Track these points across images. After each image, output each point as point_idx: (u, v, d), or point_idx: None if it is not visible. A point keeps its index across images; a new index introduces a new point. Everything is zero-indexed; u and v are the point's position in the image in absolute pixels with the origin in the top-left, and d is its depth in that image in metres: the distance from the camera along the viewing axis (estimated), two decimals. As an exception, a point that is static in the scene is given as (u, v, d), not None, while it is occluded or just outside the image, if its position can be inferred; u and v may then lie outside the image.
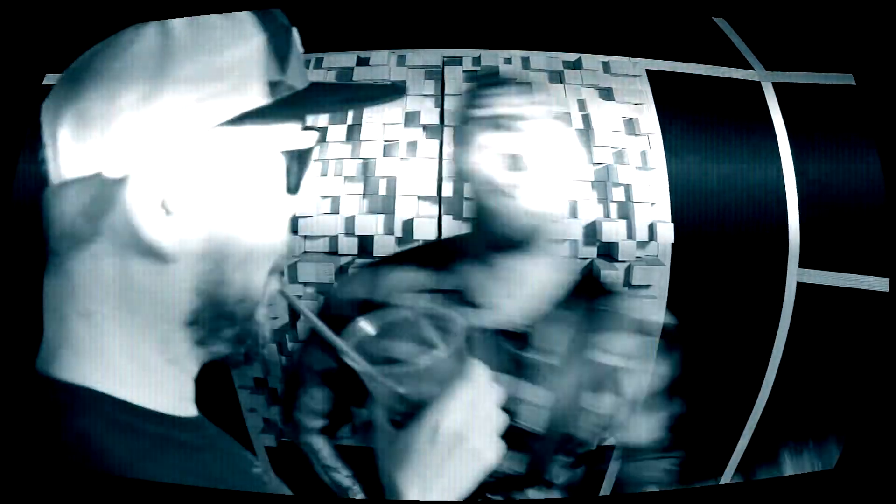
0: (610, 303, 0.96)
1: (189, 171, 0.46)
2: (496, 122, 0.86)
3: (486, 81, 0.91)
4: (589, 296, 0.95)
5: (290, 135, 0.51)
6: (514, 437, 0.82)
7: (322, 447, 1.06)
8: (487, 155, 0.86)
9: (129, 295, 0.47)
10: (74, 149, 0.46)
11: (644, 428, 0.98)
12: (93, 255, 0.47)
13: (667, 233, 1.74)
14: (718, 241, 1.78)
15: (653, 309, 1.01)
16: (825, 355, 1.75)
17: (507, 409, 0.80)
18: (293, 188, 0.52)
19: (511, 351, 0.90)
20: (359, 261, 1.70)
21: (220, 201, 0.47)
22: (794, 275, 1.81)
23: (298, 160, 0.52)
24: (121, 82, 0.46)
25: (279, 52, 0.49)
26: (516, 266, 0.90)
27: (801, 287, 1.80)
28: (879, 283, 1.75)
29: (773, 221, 1.81)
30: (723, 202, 1.80)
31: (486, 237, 0.88)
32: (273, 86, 0.48)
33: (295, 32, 0.53)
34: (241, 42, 0.48)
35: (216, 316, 0.49)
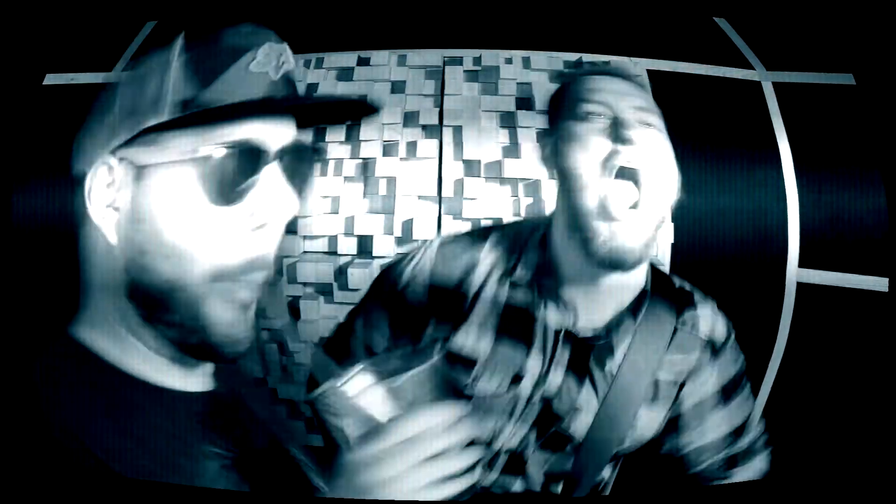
0: (683, 318, 0.92)
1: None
2: (613, 131, 0.79)
3: (593, 69, 0.89)
4: (663, 308, 0.91)
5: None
6: (556, 441, 0.85)
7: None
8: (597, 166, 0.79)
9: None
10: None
11: (708, 428, 0.96)
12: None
13: (667, 233, 1.74)
14: (718, 241, 1.78)
15: (718, 321, 0.97)
16: (825, 355, 1.75)
17: (558, 412, 0.84)
18: (228, 198, 0.53)
19: (581, 356, 0.87)
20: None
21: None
22: (794, 275, 1.81)
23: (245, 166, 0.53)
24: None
25: (198, 71, 0.52)
26: (610, 282, 0.85)
27: (801, 287, 1.80)
28: (879, 283, 1.75)
29: (774, 221, 1.81)
30: (723, 202, 1.80)
31: (591, 259, 0.81)
32: (184, 105, 0.51)
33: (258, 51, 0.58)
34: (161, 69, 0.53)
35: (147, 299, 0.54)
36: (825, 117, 1.81)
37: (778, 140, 1.84)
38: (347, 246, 1.74)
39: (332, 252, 1.75)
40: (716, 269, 1.79)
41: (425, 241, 0.93)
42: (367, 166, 1.75)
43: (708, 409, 0.95)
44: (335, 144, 1.77)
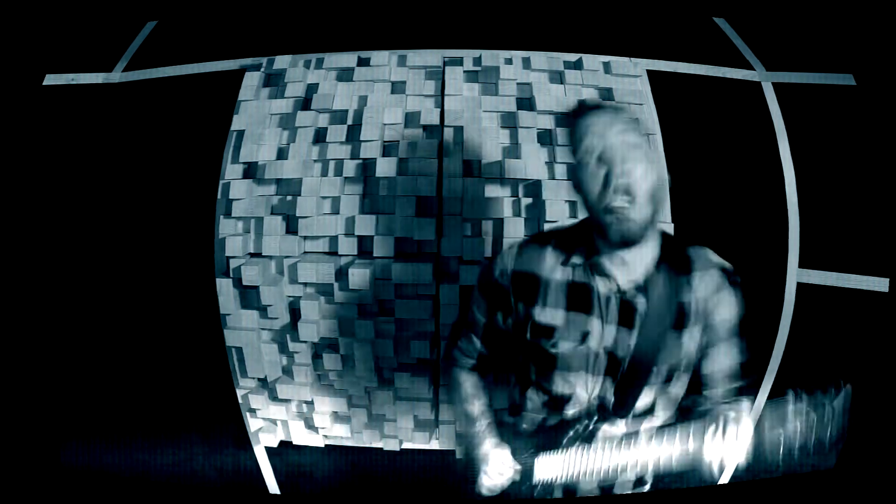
0: (695, 251, 1.22)
1: None
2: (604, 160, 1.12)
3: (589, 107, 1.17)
4: (678, 253, 1.20)
5: None
6: (609, 366, 1.17)
7: (466, 380, 1.32)
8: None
9: None
10: None
11: (725, 355, 1.20)
12: None
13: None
14: (718, 241, 1.78)
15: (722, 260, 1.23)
16: (825, 355, 1.75)
17: (621, 357, 1.16)
18: None
19: (626, 311, 1.16)
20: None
21: None
22: (794, 275, 1.81)
23: None
24: None
25: None
26: (631, 253, 1.15)
27: (801, 287, 1.80)
28: (879, 284, 1.75)
29: (773, 221, 1.81)
30: (723, 202, 1.80)
31: (609, 241, 1.12)
32: None
33: None
34: None
35: None
36: (825, 117, 1.81)
37: (778, 140, 1.84)
38: (348, 246, 1.74)
39: (333, 252, 1.75)
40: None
41: (510, 244, 1.26)
42: (367, 166, 1.75)
43: (728, 332, 1.20)
44: (335, 145, 1.77)
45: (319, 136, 1.79)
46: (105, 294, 1.86)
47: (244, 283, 1.74)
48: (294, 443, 1.89)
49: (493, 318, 1.26)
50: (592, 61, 1.85)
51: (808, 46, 1.81)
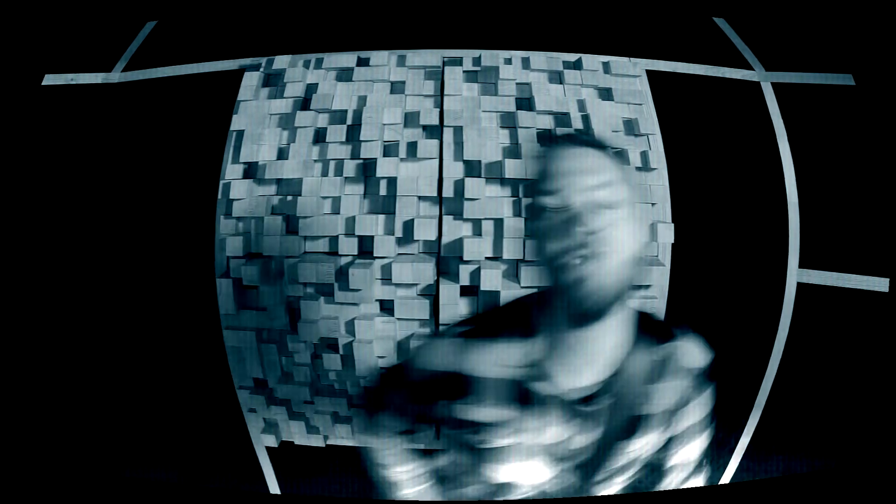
0: (666, 353, 1.00)
1: None
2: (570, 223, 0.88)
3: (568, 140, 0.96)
4: (649, 347, 0.99)
5: None
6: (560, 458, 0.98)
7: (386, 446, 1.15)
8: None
9: None
10: None
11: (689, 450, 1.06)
12: None
13: (667, 233, 1.74)
14: (718, 241, 1.78)
15: (700, 352, 1.04)
16: (825, 355, 1.75)
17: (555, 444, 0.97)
18: None
19: (575, 408, 0.97)
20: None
21: None
22: (794, 275, 1.81)
23: None
24: None
25: None
26: (593, 335, 0.93)
27: (801, 287, 1.80)
28: (879, 284, 1.75)
29: (773, 222, 1.81)
30: (723, 202, 1.80)
31: (566, 311, 0.90)
32: None
33: None
34: None
35: None
36: (825, 117, 1.82)
37: (778, 140, 1.84)
38: (348, 246, 1.74)
39: (333, 252, 1.75)
40: (716, 270, 1.79)
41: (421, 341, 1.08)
42: (367, 166, 1.75)
43: (695, 432, 1.05)
44: (335, 145, 1.77)
45: (319, 136, 1.79)
46: (105, 294, 1.86)
47: (244, 283, 1.74)
48: (295, 443, 1.90)
49: (414, 406, 1.08)
50: (592, 61, 1.85)
51: (808, 46, 1.81)
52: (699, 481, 1.09)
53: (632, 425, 0.99)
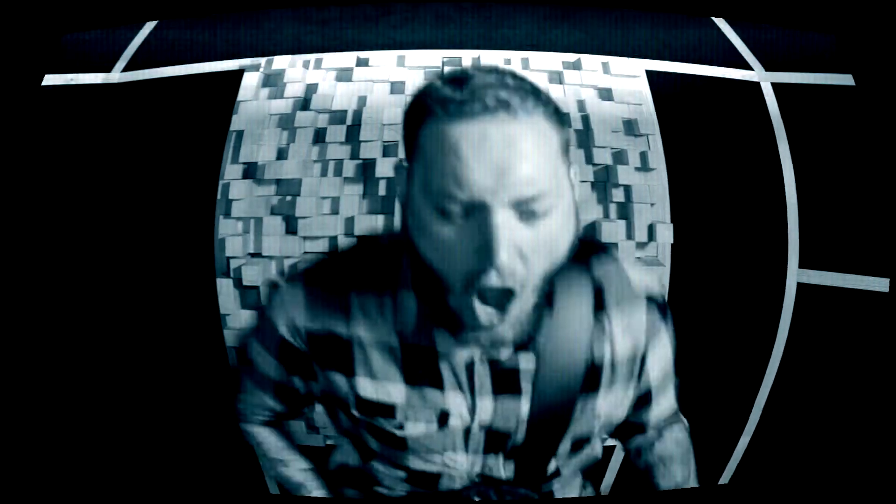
0: (604, 271, 0.83)
1: None
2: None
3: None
4: (577, 277, 0.80)
5: None
6: (490, 443, 0.82)
7: (266, 437, 0.99)
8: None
9: None
10: None
11: (663, 406, 0.92)
12: None
13: (667, 233, 1.74)
14: (718, 242, 1.78)
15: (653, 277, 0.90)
16: (825, 356, 1.75)
17: (506, 431, 0.81)
18: None
19: (490, 374, 0.80)
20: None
21: None
22: (794, 275, 1.81)
23: None
24: None
25: None
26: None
27: (801, 287, 1.80)
28: (879, 284, 1.75)
29: (773, 222, 1.81)
30: (723, 202, 1.80)
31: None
32: None
33: None
34: None
35: None
36: (825, 118, 1.81)
37: (777, 141, 1.84)
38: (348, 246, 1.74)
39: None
40: (716, 269, 1.79)
41: (290, 271, 0.86)
42: (367, 166, 1.75)
43: (670, 379, 0.91)
44: (335, 145, 1.77)
45: (319, 137, 1.79)
46: (104, 294, 1.86)
47: (244, 283, 1.74)
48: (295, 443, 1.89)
49: (288, 380, 0.87)
50: (592, 61, 1.85)
51: (808, 46, 1.81)
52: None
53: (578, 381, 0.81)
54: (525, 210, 0.64)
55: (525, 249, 0.65)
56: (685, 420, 1.00)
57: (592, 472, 0.97)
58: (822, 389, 1.74)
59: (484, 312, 0.66)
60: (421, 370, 0.79)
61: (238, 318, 1.79)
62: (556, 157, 0.67)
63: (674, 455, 0.96)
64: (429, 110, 0.67)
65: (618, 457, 1.73)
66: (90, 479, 1.66)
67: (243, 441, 0.96)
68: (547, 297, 0.72)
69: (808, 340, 1.78)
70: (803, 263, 1.80)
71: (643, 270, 0.87)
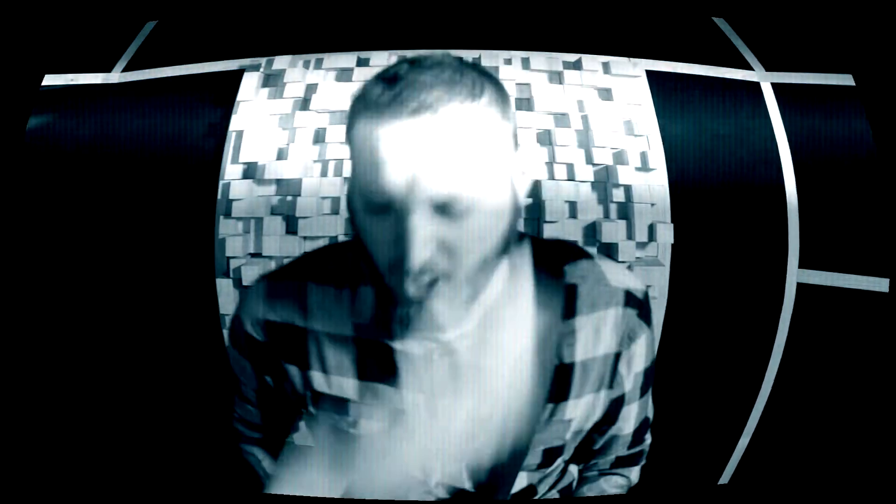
0: (576, 269, 0.80)
1: None
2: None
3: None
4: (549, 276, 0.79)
5: None
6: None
7: (262, 459, 0.99)
8: None
9: None
10: None
11: (634, 415, 0.88)
12: None
13: (667, 233, 1.74)
14: (718, 241, 1.78)
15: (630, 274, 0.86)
16: (825, 356, 1.75)
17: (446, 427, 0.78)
18: None
19: (449, 371, 0.77)
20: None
21: None
22: (794, 275, 1.81)
23: None
24: None
25: None
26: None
27: (801, 287, 1.80)
28: (879, 284, 1.75)
29: (773, 222, 1.81)
30: (723, 202, 1.80)
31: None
32: None
33: None
34: None
35: None
36: (825, 118, 1.81)
37: (777, 141, 1.84)
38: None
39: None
40: (716, 270, 1.79)
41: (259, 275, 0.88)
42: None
43: (643, 389, 0.86)
44: (335, 145, 1.77)
45: (319, 137, 1.79)
46: (104, 294, 1.86)
47: (244, 283, 1.74)
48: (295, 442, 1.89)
49: (261, 382, 0.87)
50: (592, 62, 1.85)
51: (808, 46, 1.81)
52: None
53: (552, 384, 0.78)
54: (443, 208, 0.65)
55: (448, 242, 0.66)
56: (634, 473, 0.96)
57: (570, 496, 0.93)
58: (822, 389, 1.74)
59: (413, 286, 0.67)
60: (376, 365, 0.77)
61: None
62: (488, 154, 0.67)
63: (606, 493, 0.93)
64: (357, 110, 0.70)
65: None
66: (89, 478, 1.66)
67: (231, 433, 0.95)
68: (481, 294, 0.72)
69: (808, 340, 1.78)
70: (803, 263, 1.80)
71: (621, 268, 0.84)
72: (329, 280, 0.81)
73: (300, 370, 0.81)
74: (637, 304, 0.81)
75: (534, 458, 0.81)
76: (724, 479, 1.77)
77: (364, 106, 0.69)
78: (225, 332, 1.79)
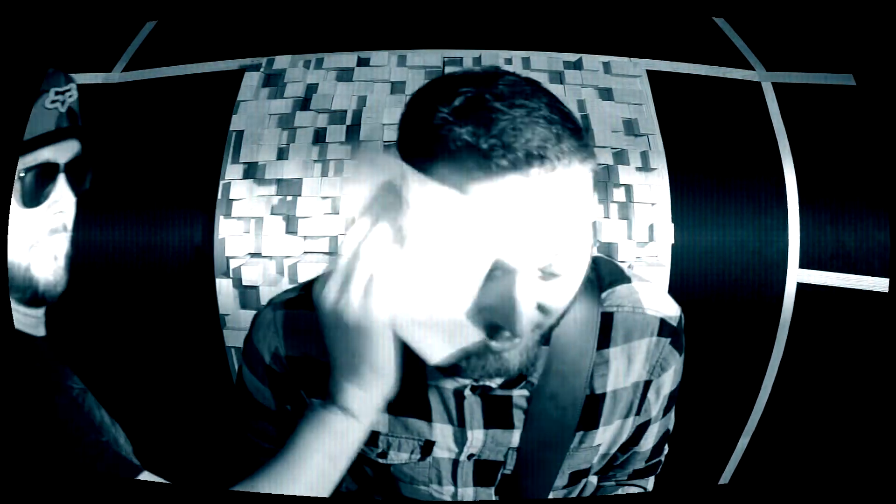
0: (611, 298, 0.78)
1: None
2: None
3: None
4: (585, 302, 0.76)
5: None
6: (480, 475, 0.79)
7: None
8: None
9: None
10: None
11: (652, 436, 0.88)
12: None
13: (667, 233, 1.74)
14: (718, 242, 1.78)
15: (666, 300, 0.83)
16: (825, 356, 1.75)
17: (495, 460, 0.78)
18: None
19: (482, 406, 0.77)
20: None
21: None
22: (795, 275, 1.81)
23: None
24: None
25: None
26: None
27: (801, 287, 1.80)
28: (879, 284, 1.75)
29: (773, 222, 1.81)
30: (723, 202, 1.80)
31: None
32: None
33: None
34: None
35: None
36: (825, 118, 1.81)
37: (778, 141, 1.84)
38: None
39: (333, 253, 1.75)
40: (715, 270, 1.79)
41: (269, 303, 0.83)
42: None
43: (666, 409, 0.86)
44: (335, 145, 1.77)
45: (319, 137, 1.79)
46: (104, 295, 1.86)
47: (244, 283, 1.74)
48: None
49: (281, 407, 0.84)
50: (592, 61, 1.85)
51: (808, 46, 1.80)
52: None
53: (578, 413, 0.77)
54: (547, 271, 0.60)
55: (546, 303, 0.62)
56: (650, 483, 0.97)
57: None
58: (821, 389, 1.74)
59: (496, 342, 0.63)
60: (407, 398, 0.74)
61: (237, 318, 1.79)
62: (585, 204, 0.60)
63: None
64: (442, 148, 0.56)
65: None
66: (89, 478, 1.66)
67: (243, 443, 0.95)
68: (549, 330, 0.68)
69: (808, 341, 1.78)
70: (803, 263, 1.80)
71: (658, 293, 0.81)
72: None
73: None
74: (671, 332, 0.79)
75: (561, 480, 0.80)
76: (724, 479, 1.77)
77: (448, 145, 0.55)
78: (225, 332, 1.79)
